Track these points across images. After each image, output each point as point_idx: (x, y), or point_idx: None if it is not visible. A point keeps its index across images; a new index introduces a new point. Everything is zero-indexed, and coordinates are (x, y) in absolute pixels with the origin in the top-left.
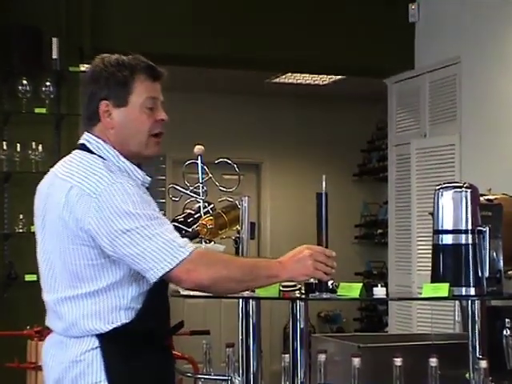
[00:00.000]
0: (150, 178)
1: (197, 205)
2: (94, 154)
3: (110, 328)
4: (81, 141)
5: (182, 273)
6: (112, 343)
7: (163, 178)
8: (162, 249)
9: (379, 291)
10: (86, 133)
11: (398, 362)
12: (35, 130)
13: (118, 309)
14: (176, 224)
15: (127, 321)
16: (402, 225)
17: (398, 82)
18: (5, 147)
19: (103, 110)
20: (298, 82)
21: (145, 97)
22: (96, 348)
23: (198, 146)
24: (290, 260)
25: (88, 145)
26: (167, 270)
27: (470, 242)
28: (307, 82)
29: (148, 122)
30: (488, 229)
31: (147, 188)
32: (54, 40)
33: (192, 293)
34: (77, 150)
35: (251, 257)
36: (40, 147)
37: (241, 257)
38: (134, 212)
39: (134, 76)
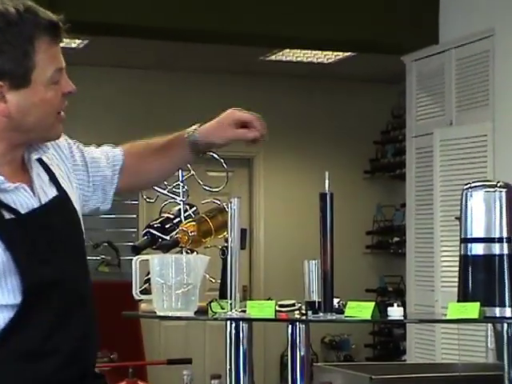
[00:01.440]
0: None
1: (176, 207)
2: None
3: None
4: None
5: None
6: None
7: None
8: None
9: (395, 312)
10: None
11: None
12: None
13: None
14: (151, 231)
15: None
16: (423, 232)
17: (419, 60)
18: None
19: None
20: (298, 59)
21: (52, 70)
22: None
23: None
24: None
25: None
26: None
27: (506, 252)
28: (309, 59)
29: (56, 100)
30: None
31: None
32: None
33: (170, 313)
34: None
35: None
36: None
37: None
38: None
39: (34, 42)
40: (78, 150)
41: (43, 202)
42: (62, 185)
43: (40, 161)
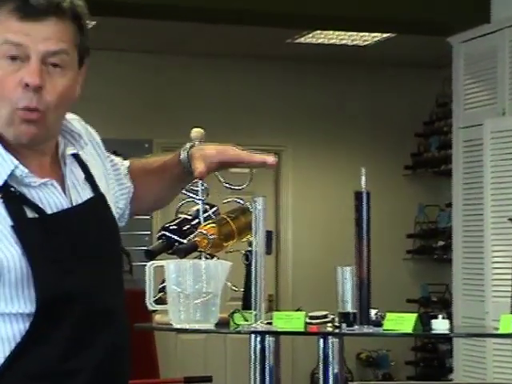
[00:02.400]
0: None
1: (195, 208)
2: None
3: None
4: None
5: None
6: None
7: None
8: None
9: (440, 324)
10: None
11: None
12: None
13: None
14: (167, 233)
15: None
16: (472, 235)
17: (468, 41)
18: None
19: None
20: (331, 42)
21: (1, 40)
22: None
23: (195, 129)
24: None
25: None
26: None
27: None
28: (343, 42)
29: (6, 82)
30: None
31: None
32: None
33: (188, 325)
34: None
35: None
36: None
37: None
38: None
39: None
40: (109, 158)
41: (74, 203)
42: (100, 187)
43: (76, 157)
